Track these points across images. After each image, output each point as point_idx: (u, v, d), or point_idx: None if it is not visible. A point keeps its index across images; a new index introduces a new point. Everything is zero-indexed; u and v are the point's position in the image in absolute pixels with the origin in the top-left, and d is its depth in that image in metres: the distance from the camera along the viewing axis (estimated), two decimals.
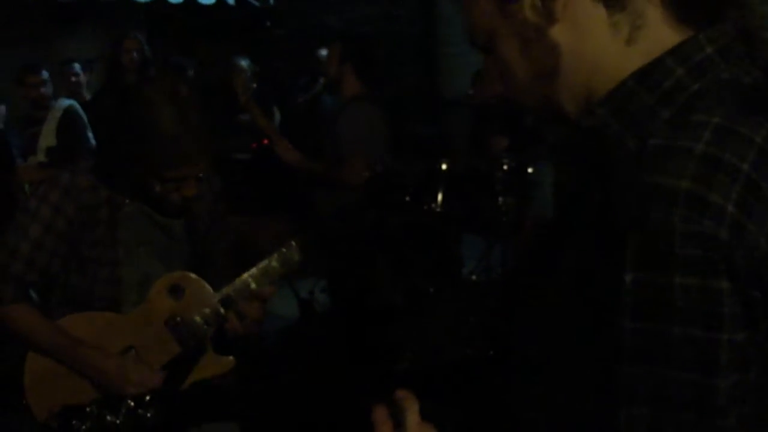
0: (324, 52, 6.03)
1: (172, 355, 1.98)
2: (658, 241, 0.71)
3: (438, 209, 4.76)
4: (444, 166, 4.82)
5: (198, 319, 1.98)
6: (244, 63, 6.04)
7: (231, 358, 2.06)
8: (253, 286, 2.00)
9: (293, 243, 2.04)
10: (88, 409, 1.26)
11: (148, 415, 1.30)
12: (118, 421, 1.31)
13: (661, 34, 0.82)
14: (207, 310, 1.98)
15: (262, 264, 2.02)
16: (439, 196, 4.77)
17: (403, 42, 8.01)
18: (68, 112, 4.71)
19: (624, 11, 0.82)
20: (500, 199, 4.98)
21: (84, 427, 1.29)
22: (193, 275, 2.02)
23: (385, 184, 2.18)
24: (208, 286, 2.01)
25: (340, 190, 3.94)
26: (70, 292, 2.02)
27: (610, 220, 0.76)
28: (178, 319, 1.98)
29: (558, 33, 0.84)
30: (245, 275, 2.01)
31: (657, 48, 0.82)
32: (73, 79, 5.30)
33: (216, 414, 2.04)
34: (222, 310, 1.99)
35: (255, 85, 4.18)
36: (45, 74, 4.83)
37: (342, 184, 3.88)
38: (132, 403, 1.28)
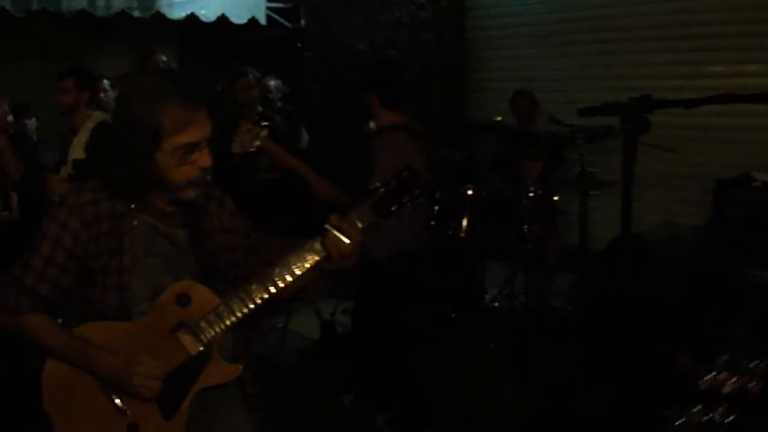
0: None
1: (179, 362, 2.05)
2: None
3: (462, 235, 4.74)
4: (470, 192, 4.80)
5: (204, 325, 2.04)
6: (273, 83, 6.07)
7: (238, 365, 2.12)
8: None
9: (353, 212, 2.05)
10: None
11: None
12: None
13: None
14: (212, 317, 2.04)
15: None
16: (464, 222, 4.75)
17: (430, 67, 8.02)
18: (100, 125, 4.71)
19: None
20: (525, 226, 4.95)
21: None
22: (199, 284, 2.08)
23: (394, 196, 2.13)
24: (213, 294, 2.07)
25: None
26: (84, 305, 2.10)
27: None
28: (184, 327, 2.04)
29: None
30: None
31: None
32: (102, 95, 5.34)
33: None
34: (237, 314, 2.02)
35: (258, 143, 4.10)
36: (71, 82, 4.69)
37: None
38: None
